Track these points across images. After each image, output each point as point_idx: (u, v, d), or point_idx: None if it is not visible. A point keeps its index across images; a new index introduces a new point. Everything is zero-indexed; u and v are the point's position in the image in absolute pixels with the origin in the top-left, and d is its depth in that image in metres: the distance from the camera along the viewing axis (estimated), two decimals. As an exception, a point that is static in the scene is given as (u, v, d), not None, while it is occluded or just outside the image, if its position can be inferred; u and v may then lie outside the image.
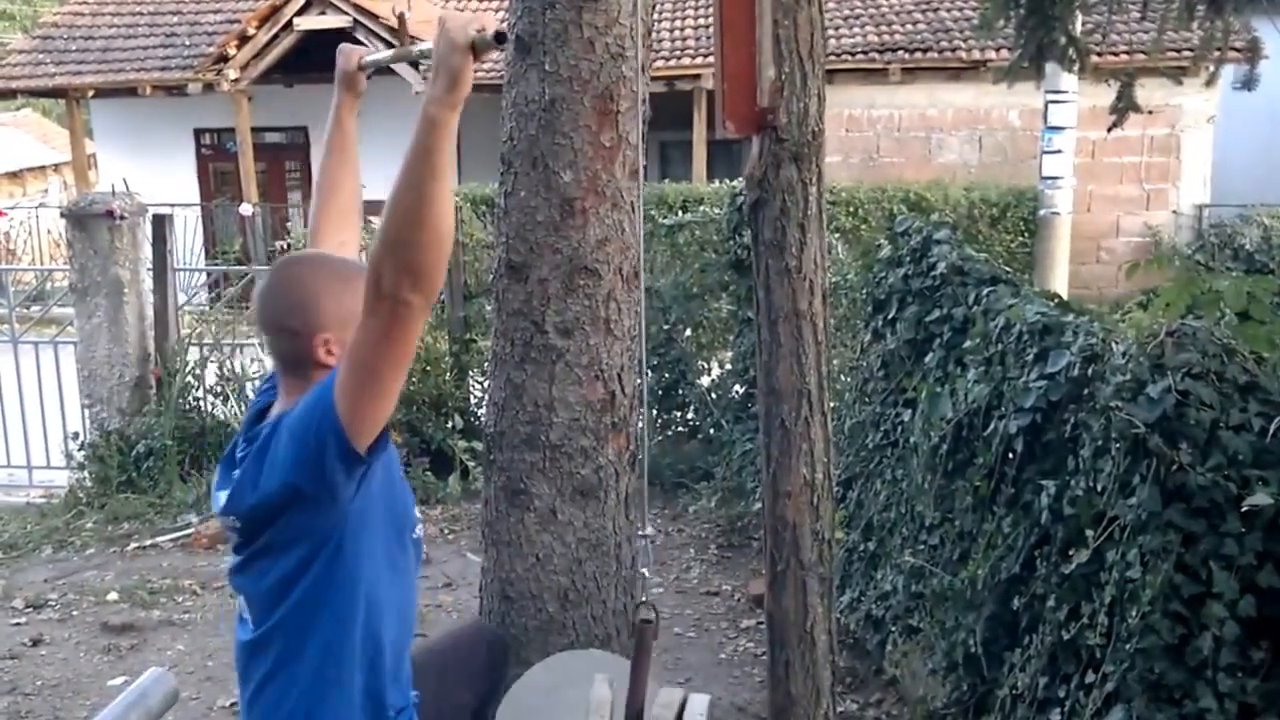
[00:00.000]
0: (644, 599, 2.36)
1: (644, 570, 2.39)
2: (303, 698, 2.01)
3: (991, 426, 3.25)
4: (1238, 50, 5.79)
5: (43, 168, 25.75)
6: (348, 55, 2.44)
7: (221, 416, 6.69)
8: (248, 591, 2.07)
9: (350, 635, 2.01)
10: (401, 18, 2.06)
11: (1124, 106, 5.03)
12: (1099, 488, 2.71)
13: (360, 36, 13.52)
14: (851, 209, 11.68)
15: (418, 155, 1.76)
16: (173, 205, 12.73)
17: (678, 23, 14.22)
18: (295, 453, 1.89)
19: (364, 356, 1.82)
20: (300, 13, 13.82)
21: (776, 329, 2.23)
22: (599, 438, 3.23)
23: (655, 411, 6.67)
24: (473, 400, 6.87)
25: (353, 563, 1.98)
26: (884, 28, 13.45)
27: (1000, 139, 13.11)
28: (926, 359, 3.86)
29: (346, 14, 13.59)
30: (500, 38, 1.72)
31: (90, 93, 15.41)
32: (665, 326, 6.59)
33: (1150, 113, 6.49)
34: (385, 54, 2.34)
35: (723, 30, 2.16)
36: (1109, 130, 5.33)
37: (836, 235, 9.34)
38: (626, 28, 3.09)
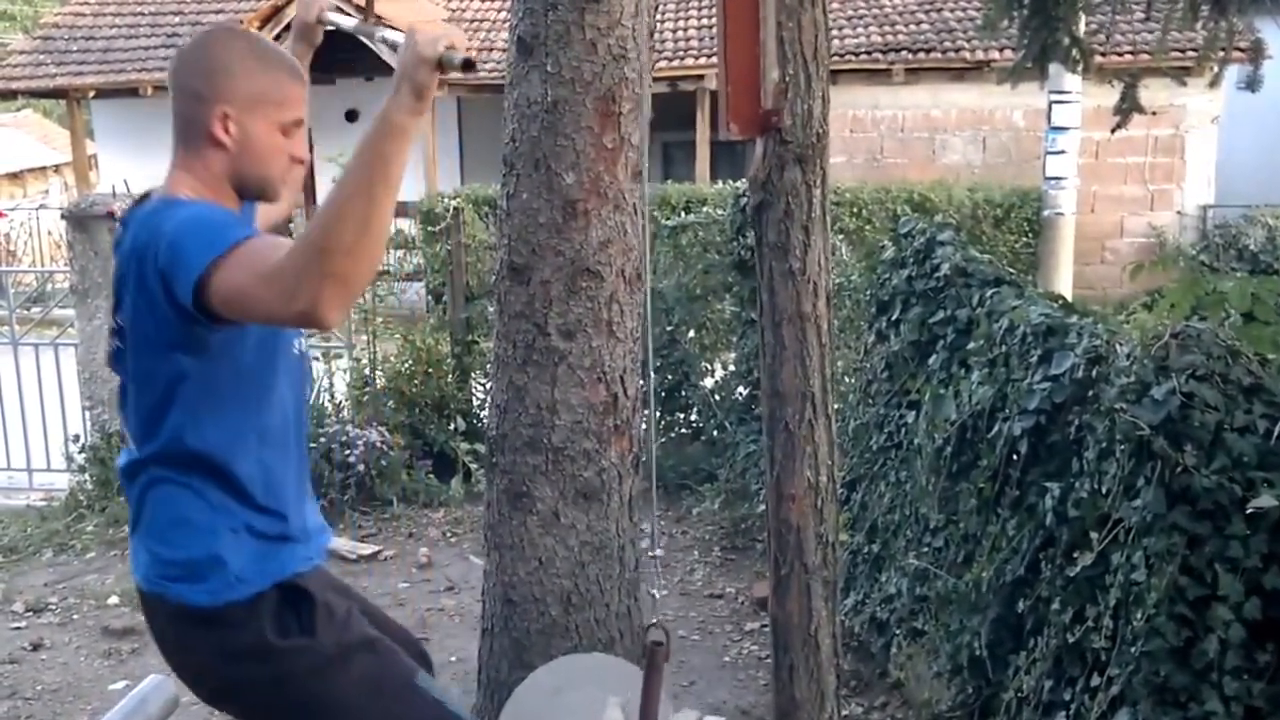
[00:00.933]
0: (654, 620, 2.34)
1: (653, 592, 2.37)
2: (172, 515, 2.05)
3: (996, 428, 3.24)
4: (1241, 50, 5.77)
5: (43, 168, 25.76)
6: (308, 6, 2.49)
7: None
8: (124, 413, 2.10)
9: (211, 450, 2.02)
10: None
11: (1127, 107, 5.02)
12: (1103, 490, 2.70)
13: (363, 39, 13.50)
14: (855, 210, 11.67)
15: (375, 161, 1.68)
16: (175, 206, 12.74)
17: (680, 23, 14.22)
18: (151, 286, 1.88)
19: (244, 308, 1.78)
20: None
21: (780, 331, 2.21)
22: (602, 440, 3.22)
23: (658, 413, 6.65)
24: (475, 402, 6.86)
25: (215, 383, 1.99)
26: (887, 28, 13.44)
27: (1004, 139, 13.09)
28: (930, 360, 3.85)
29: (350, 16, 13.56)
30: (468, 65, 1.69)
31: (91, 93, 15.41)
32: (668, 328, 6.58)
33: (1154, 113, 6.48)
34: (348, 21, 2.32)
35: (726, 32, 2.15)
36: (1113, 131, 5.32)
37: (840, 236, 9.32)
38: (629, 29, 3.08)
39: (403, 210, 12.62)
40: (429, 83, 1.70)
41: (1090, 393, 2.89)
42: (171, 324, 1.89)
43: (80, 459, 6.45)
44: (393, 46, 1.87)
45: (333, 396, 6.58)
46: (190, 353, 1.94)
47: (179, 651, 2.11)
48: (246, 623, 2.04)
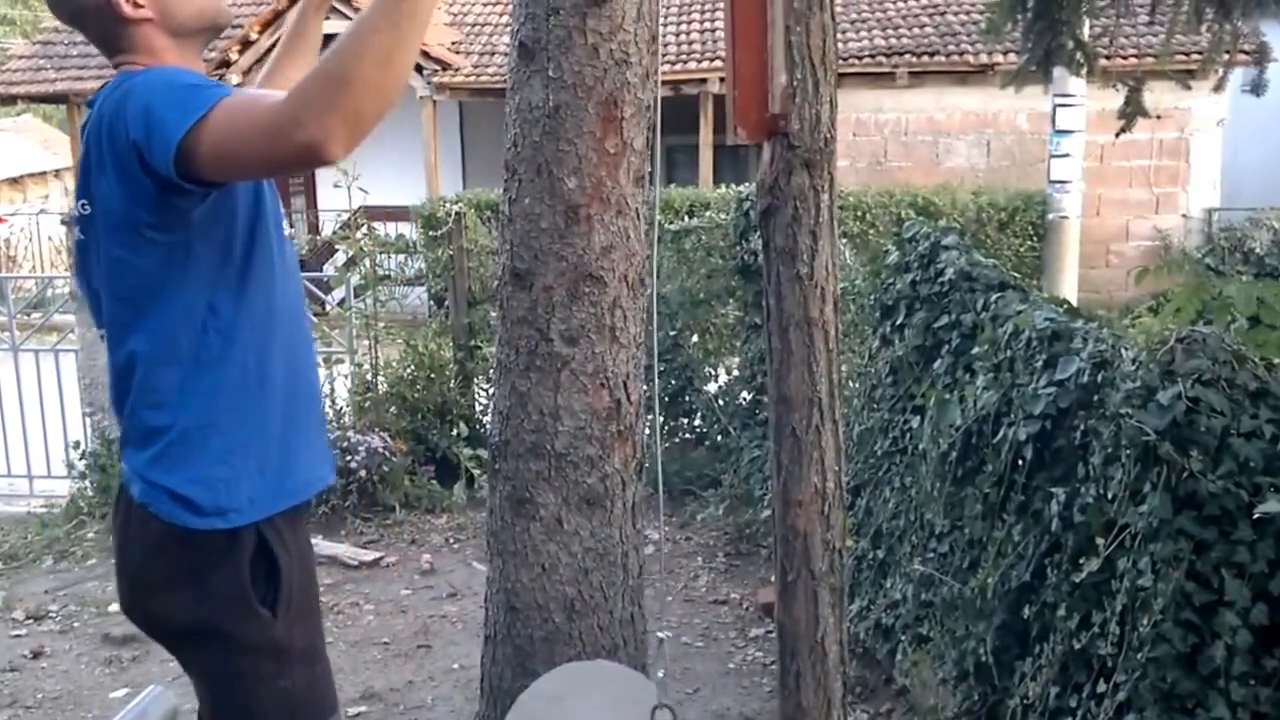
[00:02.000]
0: (664, 703, 2.31)
1: (660, 673, 2.33)
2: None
3: (1001, 433, 3.22)
4: (1246, 53, 5.76)
5: (44, 173, 25.72)
6: None
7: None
8: (98, 320, 2.03)
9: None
10: None
11: (1132, 112, 5.01)
12: (1109, 495, 2.68)
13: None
14: (859, 213, 11.65)
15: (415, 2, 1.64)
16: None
17: (683, 27, 14.22)
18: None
19: (237, 157, 1.71)
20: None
21: (787, 336, 2.19)
22: (605, 446, 3.21)
23: (662, 418, 6.64)
24: (478, 407, 6.85)
25: (198, 269, 1.87)
26: (890, 32, 13.43)
27: (1008, 143, 13.07)
28: (935, 365, 3.83)
29: (349, 19, 13.58)
30: None
31: (91, 97, 15.41)
32: (671, 332, 6.57)
33: (1159, 116, 6.47)
34: None
35: (734, 36, 2.13)
36: (1117, 135, 5.31)
37: (844, 239, 9.31)
38: (631, 34, 3.07)
39: (404, 214, 12.63)
40: None
41: (1096, 398, 2.88)
42: (146, 199, 1.79)
43: (81, 465, 6.44)
44: None
45: (334, 402, 6.57)
46: (168, 231, 1.83)
47: (143, 566, 1.99)
48: (224, 559, 1.94)
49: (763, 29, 2.10)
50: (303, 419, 2.07)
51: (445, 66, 13.85)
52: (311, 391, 2.14)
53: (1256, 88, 5.09)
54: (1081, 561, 2.75)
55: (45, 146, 26.95)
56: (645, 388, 3.37)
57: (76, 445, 6.55)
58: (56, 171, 25.56)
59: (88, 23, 1.96)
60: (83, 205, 1.91)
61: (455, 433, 6.52)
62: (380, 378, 6.73)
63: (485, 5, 15.90)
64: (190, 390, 1.92)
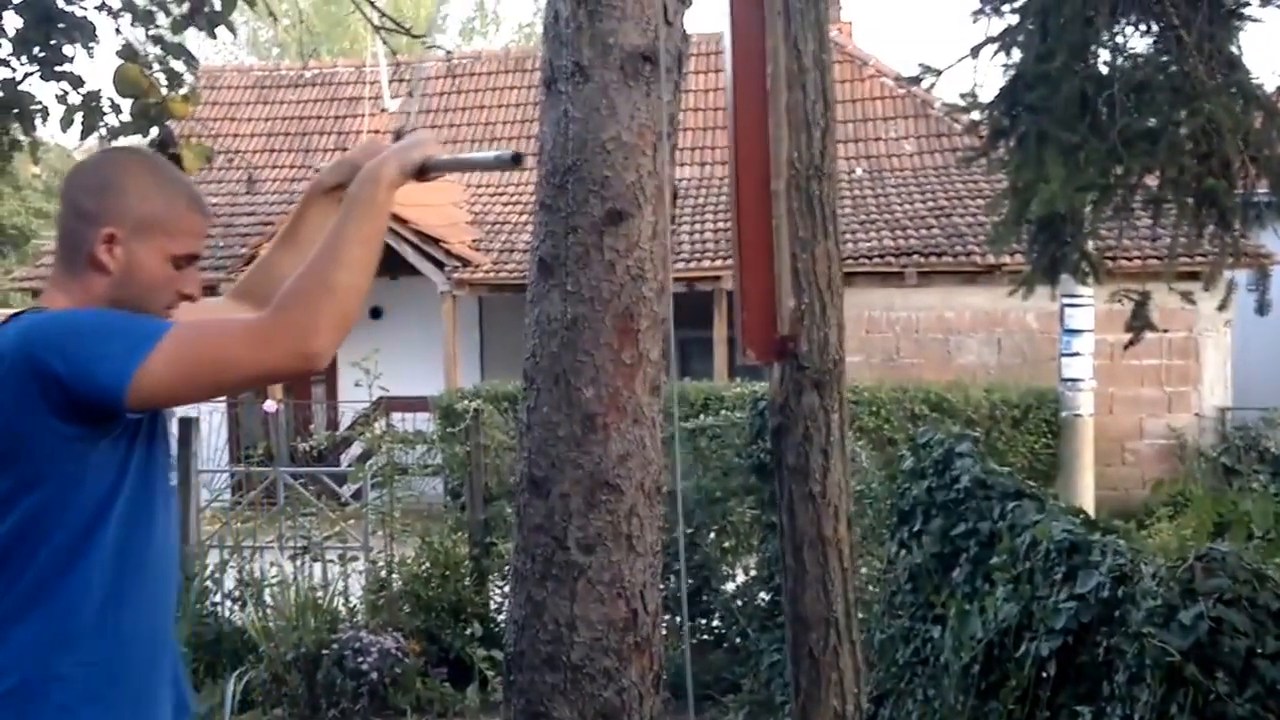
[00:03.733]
0: None
1: None
2: None
3: (1023, 648, 3.17)
4: (1249, 256, 5.90)
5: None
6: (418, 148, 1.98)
7: (239, 623, 6.60)
8: None
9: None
10: None
11: (1140, 324, 5.12)
12: (1136, 717, 2.62)
13: (389, 240, 13.93)
14: (874, 409, 11.71)
15: (372, 212, 1.83)
16: (199, 403, 12.87)
17: (697, 227, 14.61)
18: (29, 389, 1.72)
19: (216, 377, 1.76)
20: (333, 219, 14.26)
21: (801, 555, 2.21)
22: (622, 658, 3.16)
23: (677, 619, 6.55)
24: (493, 606, 6.77)
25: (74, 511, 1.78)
26: (899, 233, 13.76)
27: (1018, 340, 13.22)
28: (954, 574, 3.80)
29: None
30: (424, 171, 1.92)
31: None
32: (688, 530, 6.53)
33: (1165, 331, 6.56)
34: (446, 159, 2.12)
35: (742, 260, 2.22)
36: (1126, 347, 5.40)
37: (859, 435, 9.34)
38: (647, 251, 3.16)
39: (423, 405, 12.76)
40: (412, 168, 1.89)
41: (1117, 613, 2.85)
42: (62, 436, 1.73)
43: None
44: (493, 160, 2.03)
45: (347, 600, 6.51)
46: (51, 469, 1.76)
47: None
48: None
49: (769, 255, 2.19)
50: (161, 674, 1.98)
51: (465, 263, 14.21)
52: (168, 643, 2.04)
53: (1261, 308, 5.18)
54: (1110, 785, 2.68)
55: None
56: (662, 593, 3.34)
57: None
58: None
59: (69, 220, 1.91)
60: None
61: (469, 632, 6.43)
62: (395, 575, 6.68)
63: (505, 205, 16.41)
64: (38, 631, 1.79)
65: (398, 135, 1.82)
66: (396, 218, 13.96)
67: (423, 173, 1.93)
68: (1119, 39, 4.90)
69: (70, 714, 1.80)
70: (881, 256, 13.26)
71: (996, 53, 5.14)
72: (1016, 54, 5.08)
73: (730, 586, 6.64)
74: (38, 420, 1.73)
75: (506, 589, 5.62)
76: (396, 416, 12.63)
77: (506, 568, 6.06)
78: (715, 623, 6.66)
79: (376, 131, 18.17)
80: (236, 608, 6.70)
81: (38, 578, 1.79)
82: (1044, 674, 3.09)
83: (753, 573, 6.54)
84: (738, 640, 6.30)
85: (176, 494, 2.08)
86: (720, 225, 14.48)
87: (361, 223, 1.81)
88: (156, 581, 1.94)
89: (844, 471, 2.19)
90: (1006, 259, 12.06)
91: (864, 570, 5.03)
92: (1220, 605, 2.40)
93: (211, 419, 13.68)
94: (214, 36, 4.85)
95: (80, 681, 1.81)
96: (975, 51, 5.13)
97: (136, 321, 1.79)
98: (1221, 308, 5.69)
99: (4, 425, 1.75)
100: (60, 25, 4.45)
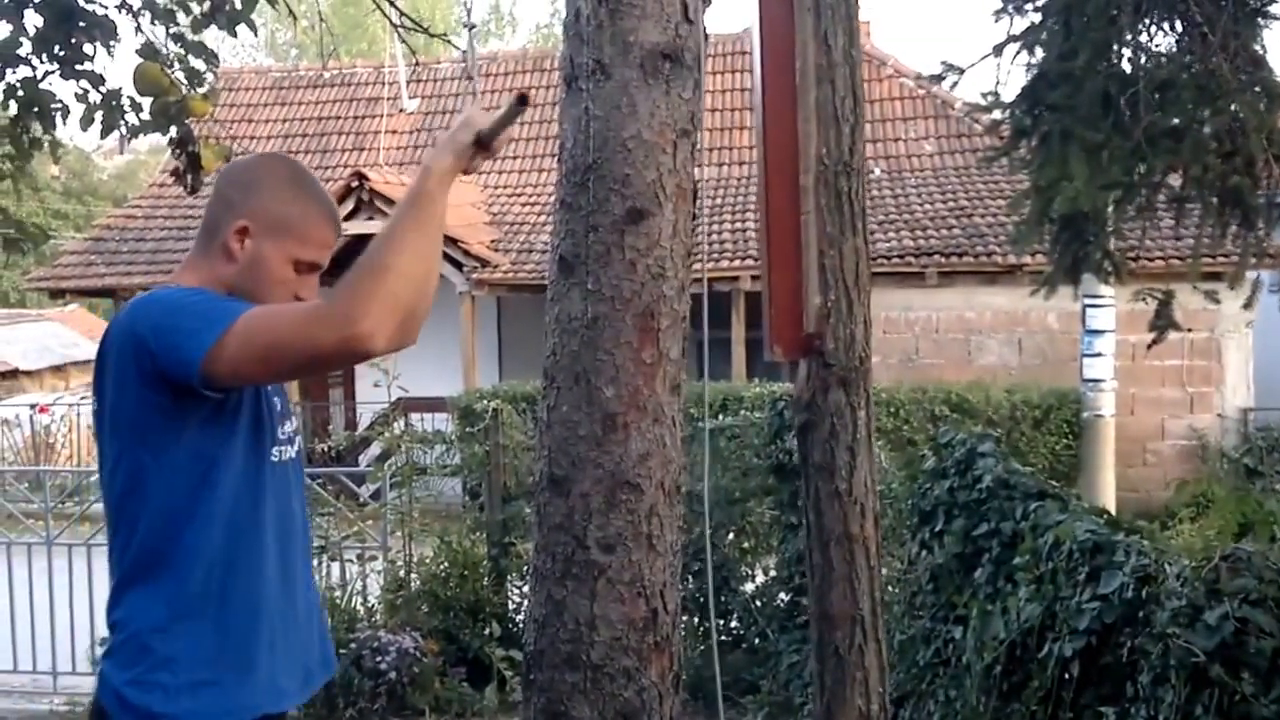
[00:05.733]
0: None
1: None
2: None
3: (1046, 648, 3.15)
4: (1272, 257, 5.85)
5: (87, 362, 26.32)
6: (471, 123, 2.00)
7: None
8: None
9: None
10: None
11: (1163, 325, 5.08)
12: (1161, 718, 2.60)
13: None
14: (893, 409, 11.67)
15: (424, 200, 1.86)
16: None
17: (714, 227, 14.59)
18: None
19: (280, 356, 1.82)
20: (349, 217, 14.27)
21: (828, 553, 2.20)
22: (642, 658, 3.15)
23: (696, 620, 6.53)
24: (511, 606, 6.76)
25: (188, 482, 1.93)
26: (919, 233, 13.71)
27: (1039, 341, 13.15)
28: (976, 574, 3.78)
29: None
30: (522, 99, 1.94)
31: (139, 292, 15.80)
32: (707, 531, 6.51)
33: (1189, 330, 6.52)
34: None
35: (770, 258, 2.20)
36: (1149, 347, 5.36)
37: (878, 436, 9.31)
38: (667, 250, 3.15)
39: (441, 405, 12.77)
40: (466, 148, 1.93)
41: (1141, 614, 2.82)
42: (154, 404, 1.88)
43: (107, 662, 6.34)
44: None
45: (365, 600, 6.51)
46: (170, 434, 1.91)
47: None
48: None
49: (797, 252, 2.18)
50: (270, 639, 2.06)
51: (484, 263, 14.22)
52: (288, 611, 2.11)
53: (1287, 309, 5.13)
54: (1136, 787, 2.65)
55: (90, 336, 27.64)
56: (682, 594, 3.33)
57: (103, 642, 6.46)
58: (99, 360, 26.09)
59: (213, 206, 2.08)
60: (94, 403, 2.01)
61: (488, 632, 6.43)
62: (413, 575, 6.68)
63: (524, 205, 16.43)
64: (150, 592, 1.95)
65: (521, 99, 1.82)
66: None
67: (484, 146, 1.95)
68: (1143, 37, 4.87)
69: (174, 668, 1.92)
70: (901, 257, 13.21)
71: (1019, 51, 5.11)
72: (1039, 53, 5.04)
73: (749, 587, 6.62)
74: (137, 388, 1.88)
75: (525, 589, 5.63)
76: (415, 417, 12.65)
77: (525, 567, 6.06)
78: (734, 623, 6.64)
79: (394, 132, 18.24)
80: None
81: (148, 544, 1.94)
82: (1067, 675, 3.07)
83: (772, 573, 6.51)
84: (756, 641, 6.28)
85: (299, 466, 2.21)
86: (738, 226, 14.46)
87: (413, 210, 1.85)
88: (267, 550, 2.04)
89: (870, 469, 2.18)
90: (1028, 259, 12.01)
91: (884, 571, 5.00)
92: (1246, 605, 2.38)
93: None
94: (234, 35, 4.84)
95: (184, 638, 1.94)
96: (998, 50, 5.10)
97: (221, 303, 1.91)
98: (1246, 307, 5.64)
99: (115, 391, 1.92)
100: (81, 24, 4.45)
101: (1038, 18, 5.06)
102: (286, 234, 2.04)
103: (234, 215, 2.02)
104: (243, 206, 2.03)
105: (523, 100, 1.94)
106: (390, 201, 13.91)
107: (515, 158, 17.42)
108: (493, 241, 15.04)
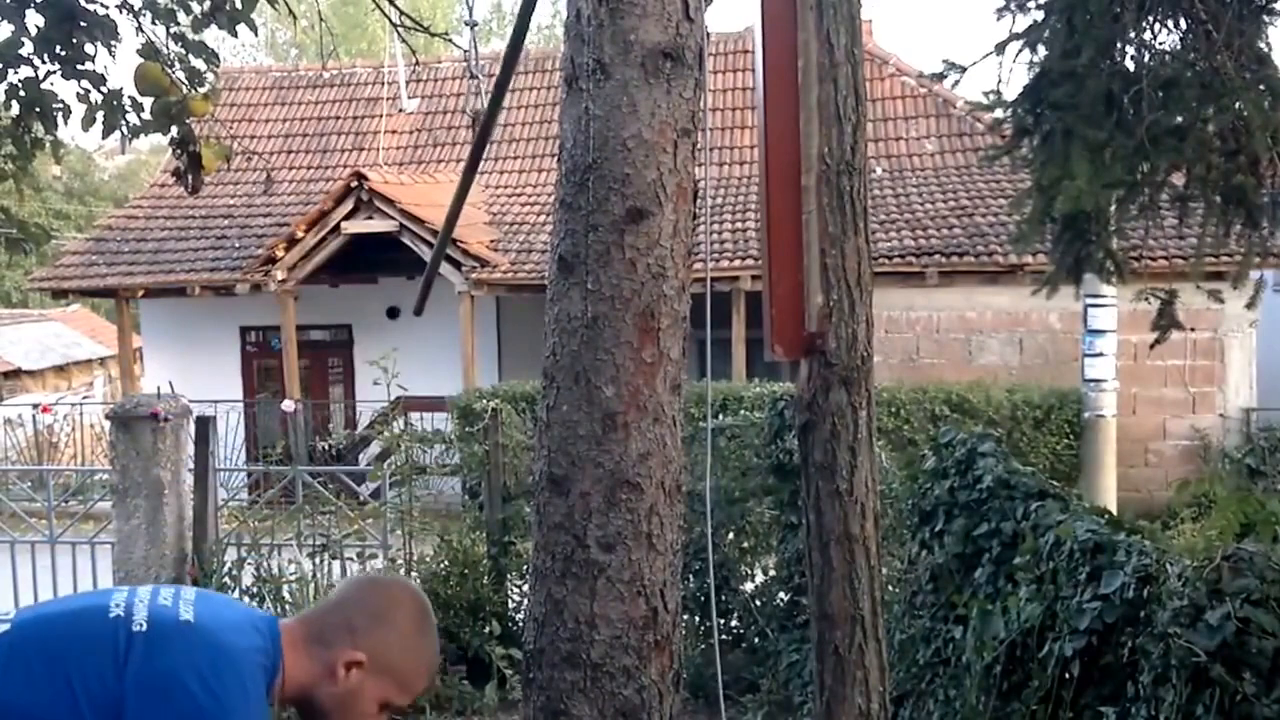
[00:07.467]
0: None
1: None
2: None
3: (1046, 648, 3.14)
4: (1276, 256, 5.84)
5: (89, 361, 26.36)
6: None
7: (257, 620, 6.60)
8: None
9: None
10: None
11: (1165, 324, 5.06)
12: (1162, 717, 2.59)
13: (406, 241, 13.96)
14: (893, 409, 11.66)
15: None
16: (216, 402, 12.94)
17: (715, 228, 14.58)
18: None
19: None
20: (348, 217, 14.28)
21: (828, 552, 2.19)
22: (642, 656, 3.14)
23: (697, 619, 6.53)
24: (511, 605, 6.76)
25: None
26: (920, 233, 13.70)
27: (1041, 341, 13.14)
28: (976, 574, 3.78)
29: (393, 219, 14.02)
30: None
31: (140, 292, 15.87)
32: (709, 530, 6.50)
33: (1192, 329, 6.51)
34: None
35: (771, 257, 2.20)
36: (1151, 346, 5.35)
37: (878, 435, 9.30)
38: (668, 249, 3.14)
39: (441, 405, 12.76)
40: None
41: (1142, 614, 2.82)
42: None
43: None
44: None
45: (367, 599, 6.50)
46: None
47: None
48: None
49: (799, 251, 2.17)
50: None
51: (483, 263, 14.21)
52: None
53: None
54: (1136, 787, 2.65)
55: (92, 335, 27.68)
56: (681, 594, 3.32)
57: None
58: (101, 360, 26.18)
59: (342, 617, 2.02)
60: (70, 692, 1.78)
61: (488, 630, 6.43)
62: (414, 574, 6.68)
63: (523, 205, 16.42)
64: None
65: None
66: (413, 218, 14.01)
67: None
68: (1146, 35, 4.85)
69: None
70: (902, 256, 13.20)
71: (1021, 50, 5.09)
72: (1042, 51, 5.03)
73: (749, 586, 6.62)
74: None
75: (525, 587, 5.62)
76: (414, 416, 12.64)
77: (524, 566, 6.05)
78: (734, 623, 6.64)
79: (393, 132, 18.23)
80: (255, 604, 6.71)
81: None
82: (1068, 674, 3.06)
83: (771, 573, 6.51)
84: (756, 640, 6.28)
85: None
86: (738, 225, 14.45)
87: None
88: None
89: (871, 469, 2.17)
90: (1029, 258, 12.02)
91: (884, 570, 5.00)
92: (1248, 605, 2.37)
93: (228, 418, 13.75)
94: (235, 34, 4.83)
95: None
96: (1000, 48, 5.08)
97: None
98: (1249, 306, 5.63)
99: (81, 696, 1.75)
100: (82, 24, 4.45)
101: (1040, 15, 5.04)
102: (392, 680, 2.01)
103: (354, 643, 1.97)
104: (365, 639, 1.98)
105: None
106: (390, 201, 13.92)
107: (515, 158, 17.44)
108: (492, 241, 15.04)
